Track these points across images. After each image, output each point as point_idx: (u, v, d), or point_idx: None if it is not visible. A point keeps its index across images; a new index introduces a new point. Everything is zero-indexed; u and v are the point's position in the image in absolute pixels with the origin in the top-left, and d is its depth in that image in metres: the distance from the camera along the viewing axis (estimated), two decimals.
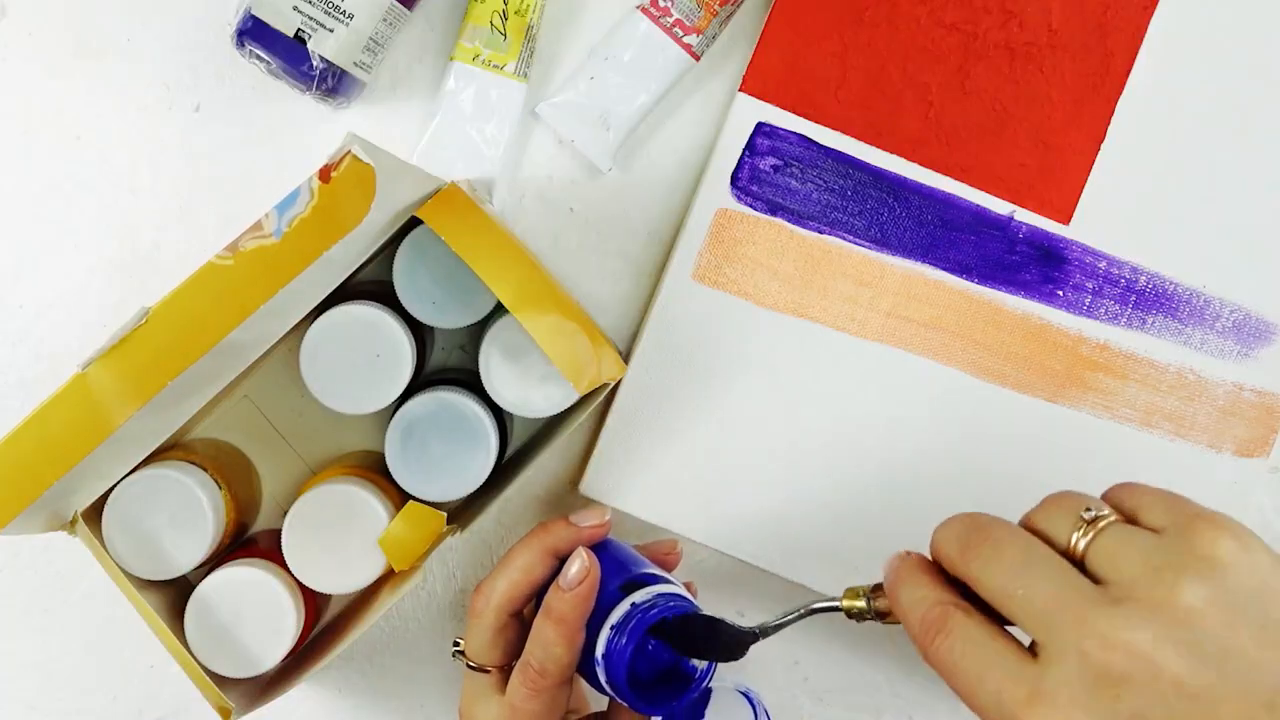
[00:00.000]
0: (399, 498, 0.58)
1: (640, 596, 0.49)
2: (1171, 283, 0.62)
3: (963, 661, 0.39)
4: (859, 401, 0.62)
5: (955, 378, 0.62)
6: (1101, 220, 0.61)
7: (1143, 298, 0.62)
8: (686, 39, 0.61)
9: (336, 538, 0.57)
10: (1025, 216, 0.61)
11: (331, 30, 0.56)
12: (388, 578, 0.58)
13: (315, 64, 0.57)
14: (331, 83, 0.58)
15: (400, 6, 0.58)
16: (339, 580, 0.57)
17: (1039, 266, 0.62)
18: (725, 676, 0.63)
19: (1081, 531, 0.39)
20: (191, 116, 0.63)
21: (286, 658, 0.57)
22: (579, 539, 0.53)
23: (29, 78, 0.63)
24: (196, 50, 0.63)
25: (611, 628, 0.49)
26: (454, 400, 0.57)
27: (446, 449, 0.58)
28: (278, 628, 0.56)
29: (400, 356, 0.57)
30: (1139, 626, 0.35)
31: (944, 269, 0.61)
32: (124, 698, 0.65)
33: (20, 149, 0.63)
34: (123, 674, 0.65)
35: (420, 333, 0.60)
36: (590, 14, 0.63)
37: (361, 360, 0.56)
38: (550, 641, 0.50)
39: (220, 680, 0.55)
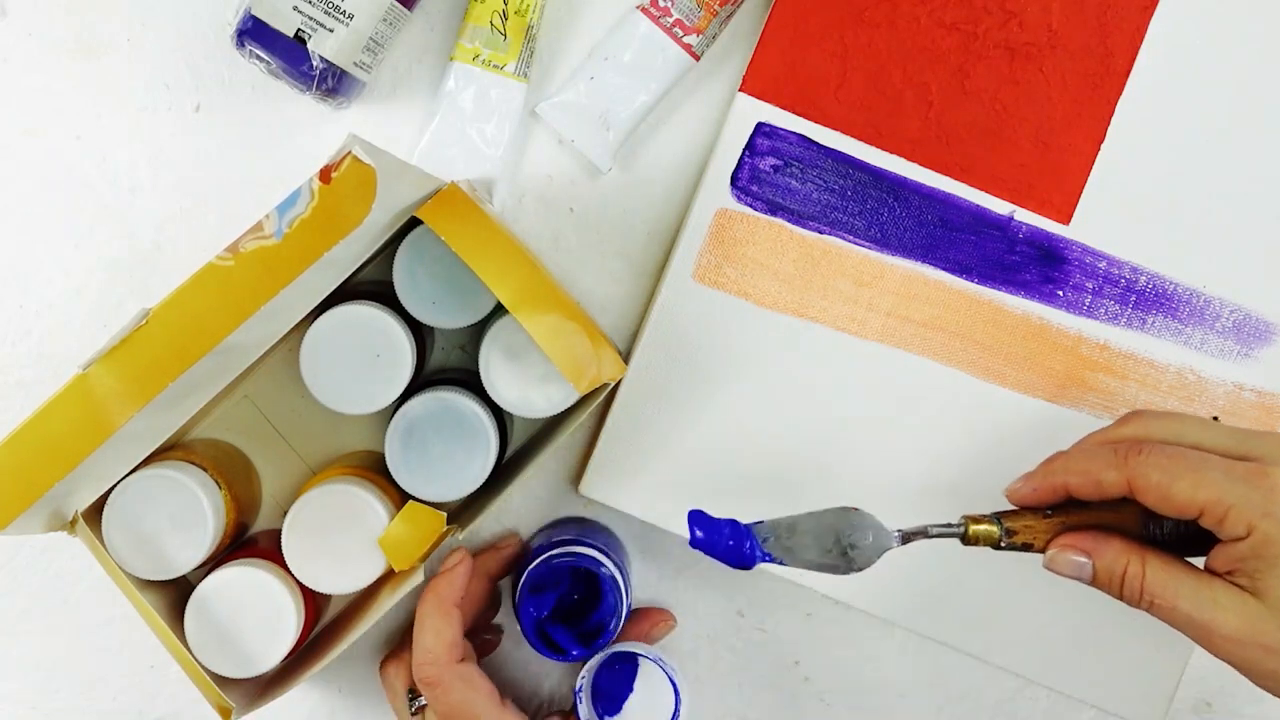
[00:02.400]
0: (399, 498, 0.58)
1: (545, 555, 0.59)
2: (1171, 283, 0.62)
3: (1182, 456, 0.45)
4: (859, 401, 0.62)
5: (955, 378, 0.62)
6: (1101, 220, 0.61)
7: (1143, 298, 0.62)
8: (686, 39, 0.61)
9: (336, 538, 0.57)
10: (1025, 216, 0.61)
11: (331, 30, 0.56)
12: (388, 578, 0.58)
13: (315, 64, 0.57)
14: (331, 83, 0.58)
15: (400, 6, 0.58)
16: (339, 580, 0.57)
17: (1039, 266, 0.62)
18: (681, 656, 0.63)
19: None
20: (191, 116, 0.63)
21: (286, 658, 0.57)
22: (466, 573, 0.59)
23: (29, 78, 0.63)
24: (196, 50, 0.63)
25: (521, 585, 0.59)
26: (454, 400, 0.57)
27: (446, 449, 0.58)
28: (278, 628, 0.56)
29: (400, 356, 0.57)
30: None
31: (944, 269, 0.62)
32: (124, 698, 0.65)
33: (20, 149, 0.63)
34: (123, 674, 0.65)
35: (420, 333, 0.60)
36: (590, 14, 0.63)
37: (361, 360, 0.56)
38: (427, 621, 0.56)
39: (220, 680, 0.55)
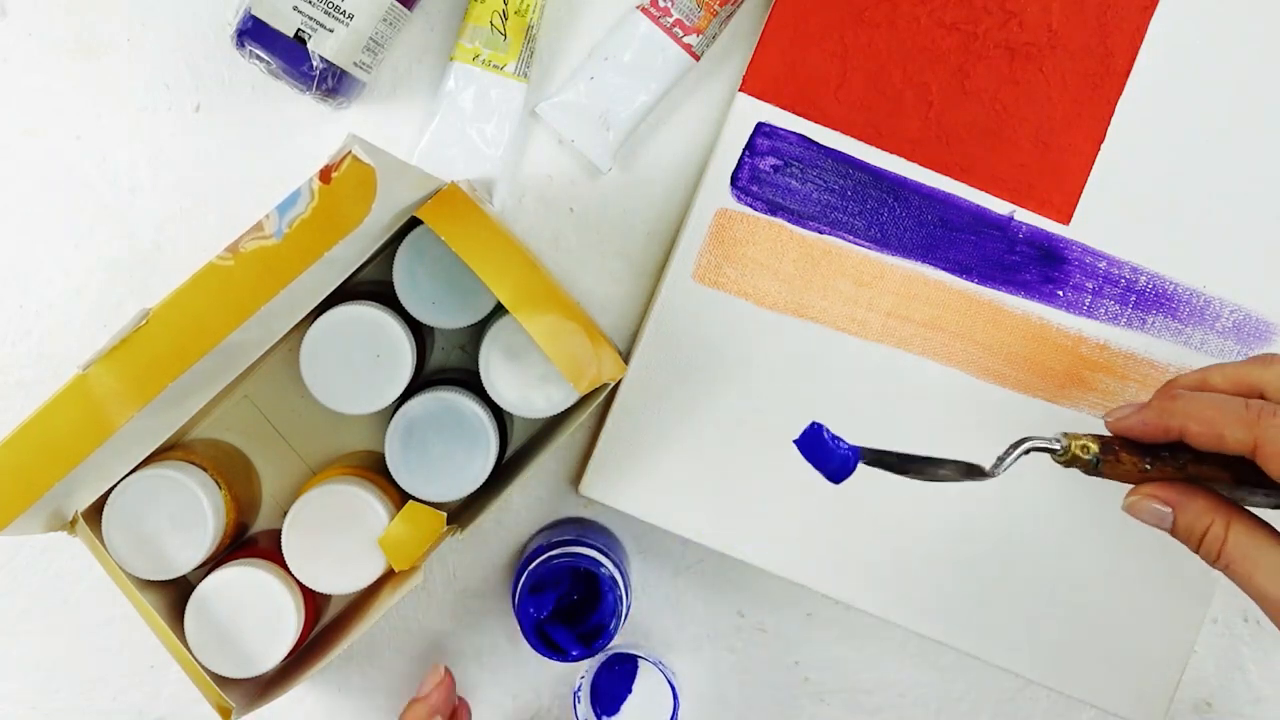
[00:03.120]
0: (399, 498, 0.58)
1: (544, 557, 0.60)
2: (1171, 283, 0.62)
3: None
4: (859, 401, 0.62)
5: (955, 378, 0.62)
6: (1101, 220, 0.61)
7: (1143, 298, 0.62)
8: (686, 39, 0.61)
9: (336, 538, 0.57)
10: (1025, 216, 0.61)
11: (331, 30, 0.56)
12: (388, 578, 0.58)
13: (315, 64, 0.57)
14: (331, 83, 0.58)
15: (400, 6, 0.58)
16: (339, 580, 0.57)
17: (1039, 266, 0.62)
18: (682, 653, 0.63)
19: None
20: (191, 116, 0.63)
21: (286, 658, 0.57)
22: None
23: (29, 78, 0.63)
24: (196, 50, 0.63)
25: (520, 588, 0.60)
26: (454, 400, 0.57)
27: (446, 449, 0.58)
28: (278, 628, 0.56)
29: (400, 356, 0.57)
30: None
31: (944, 269, 0.62)
32: (124, 698, 0.65)
33: (20, 149, 0.63)
34: (123, 674, 0.65)
35: (420, 333, 0.60)
36: (590, 14, 0.63)
37: (361, 360, 0.56)
38: None
39: (220, 680, 0.55)
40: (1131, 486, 0.48)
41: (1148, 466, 0.47)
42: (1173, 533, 0.46)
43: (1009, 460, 0.48)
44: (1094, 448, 0.47)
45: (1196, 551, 0.45)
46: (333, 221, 0.47)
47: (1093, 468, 0.47)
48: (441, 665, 0.61)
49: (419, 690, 0.60)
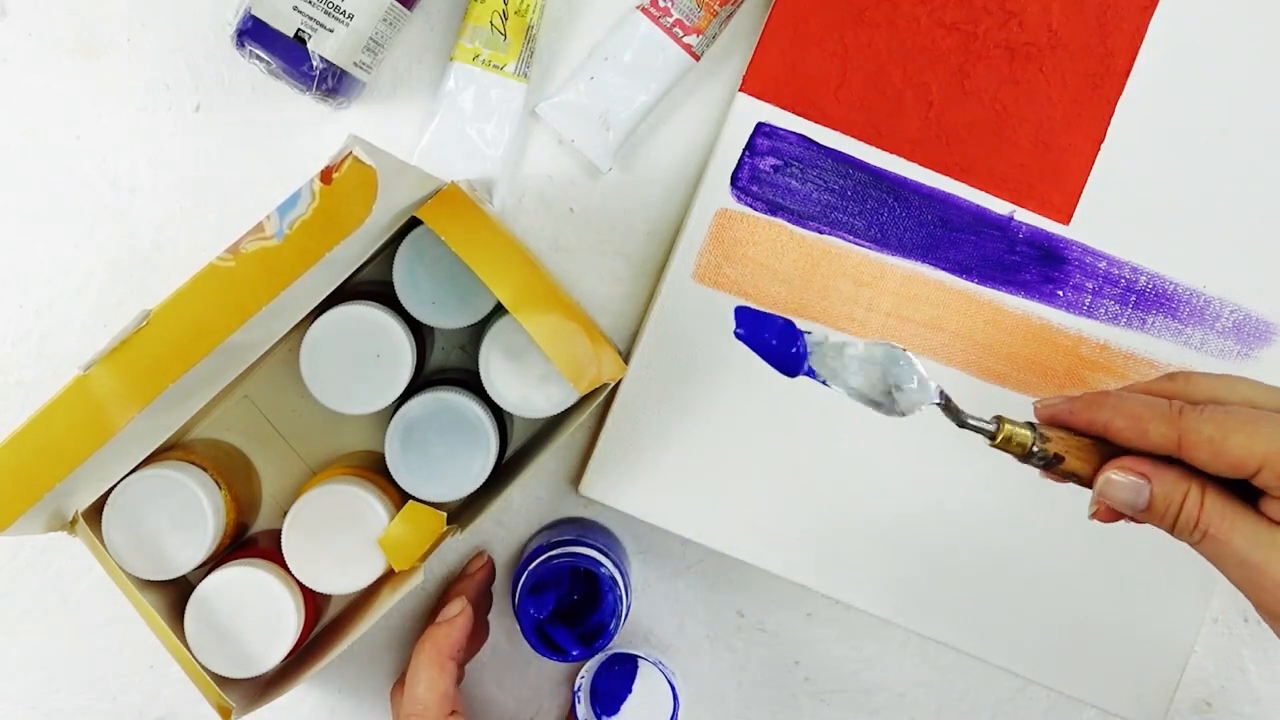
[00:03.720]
0: (399, 498, 0.58)
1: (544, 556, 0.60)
2: (1171, 283, 0.62)
3: (1236, 413, 0.43)
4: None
5: (955, 378, 0.62)
6: (1101, 220, 0.61)
7: (1143, 298, 0.62)
8: (686, 39, 0.61)
9: (336, 538, 0.57)
10: (1025, 216, 0.61)
11: (331, 30, 0.56)
12: (388, 578, 0.58)
13: (315, 64, 0.57)
14: (331, 83, 0.58)
15: (400, 6, 0.58)
16: (339, 580, 0.57)
17: (1039, 266, 0.62)
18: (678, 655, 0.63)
19: None
20: (191, 116, 0.63)
21: (287, 658, 0.57)
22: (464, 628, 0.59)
23: (29, 78, 0.63)
24: (196, 50, 0.63)
25: (520, 587, 0.60)
26: (454, 400, 0.57)
27: (446, 449, 0.58)
28: (278, 628, 0.56)
29: (400, 356, 0.57)
30: None
31: (944, 269, 0.62)
32: (124, 698, 0.65)
33: (20, 149, 0.63)
34: (123, 674, 0.65)
35: (420, 333, 0.60)
36: (590, 14, 0.63)
37: (361, 360, 0.56)
38: (421, 671, 0.56)
39: (220, 680, 0.55)
40: (1058, 483, 0.48)
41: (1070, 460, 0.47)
42: (1148, 508, 0.45)
43: (920, 401, 0.48)
44: (1028, 436, 0.46)
45: (1173, 527, 0.45)
46: (334, 222, 0.47)
47: (1030, 449, 0.46)
48: (484, 553, 0.63)
49: (465, 569, 0.63)
